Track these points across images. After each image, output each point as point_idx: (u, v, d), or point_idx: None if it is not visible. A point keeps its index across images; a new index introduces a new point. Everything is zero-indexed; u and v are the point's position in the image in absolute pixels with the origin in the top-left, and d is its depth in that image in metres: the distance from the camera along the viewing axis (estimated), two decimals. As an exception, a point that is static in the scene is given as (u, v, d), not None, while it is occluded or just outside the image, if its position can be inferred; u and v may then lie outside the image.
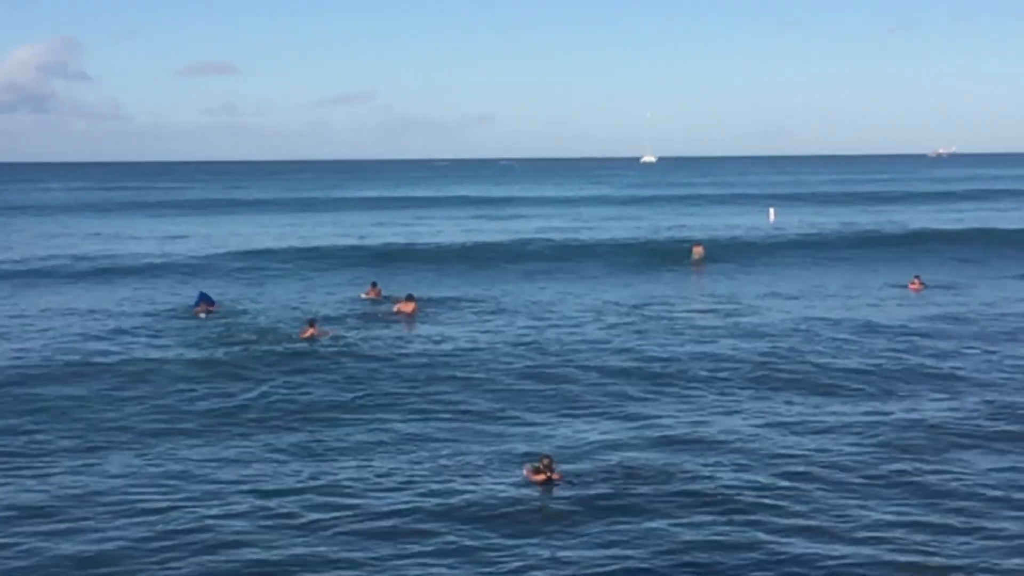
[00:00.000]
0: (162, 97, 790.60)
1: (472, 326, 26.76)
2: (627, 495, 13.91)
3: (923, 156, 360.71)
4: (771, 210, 77.98)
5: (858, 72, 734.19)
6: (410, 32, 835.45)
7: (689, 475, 14.63)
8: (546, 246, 47.02)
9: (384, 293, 32.45)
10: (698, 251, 42.91)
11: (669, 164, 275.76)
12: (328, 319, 27.50)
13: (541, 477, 14.57)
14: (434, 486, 14.22)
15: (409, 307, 28.66)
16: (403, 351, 23.19)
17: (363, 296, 32.78)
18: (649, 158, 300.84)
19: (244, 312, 29.40)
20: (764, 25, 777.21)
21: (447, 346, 23.77)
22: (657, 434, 16.66)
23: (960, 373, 20.80)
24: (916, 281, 33.17)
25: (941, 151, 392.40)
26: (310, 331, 24.93)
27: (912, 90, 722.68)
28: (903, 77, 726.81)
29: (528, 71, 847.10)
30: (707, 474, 14.61)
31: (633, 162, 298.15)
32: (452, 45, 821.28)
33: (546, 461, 14.76)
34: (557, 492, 14.15)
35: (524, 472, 14.94)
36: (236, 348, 23.51)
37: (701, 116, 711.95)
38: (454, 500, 13.68)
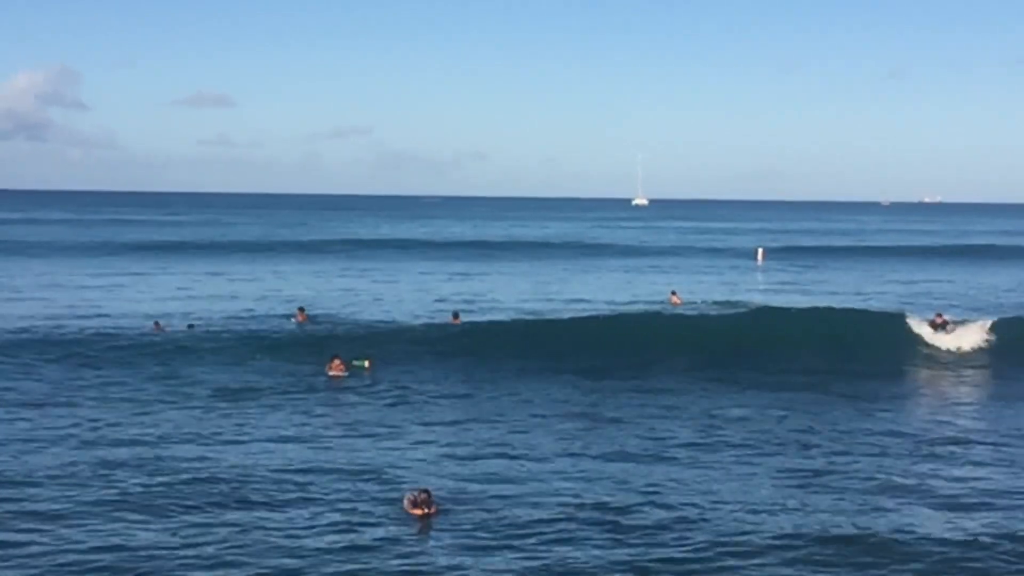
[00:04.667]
0: (157, 128, 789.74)
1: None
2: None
3: (876, 204, 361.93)
4: (759, 251, 78.26)
5: (853, 117, 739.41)
6: (407, 69, 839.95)
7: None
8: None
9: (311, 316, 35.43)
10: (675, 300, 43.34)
11: (661, 207, 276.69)
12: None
13: (418, 512, 14.91)
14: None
15: (456, 320, 33.27)
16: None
17: (294, 320, 35.12)
18: (641, 200, 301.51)
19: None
20: (761, 70, 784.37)
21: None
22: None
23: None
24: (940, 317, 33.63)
25: (927, 199, 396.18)
26: (336, 363, 26.51)
27: (906, 137, 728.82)
28: (897, 123, 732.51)
29: (522, 110, 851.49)
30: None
31: (625, 204, 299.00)
32: (448, 83, 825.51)
33: (423, 496, 15.02)
34: (434, 525, 14.68)
35: (404, 502, 15.30)
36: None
37: (694, 159, 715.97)
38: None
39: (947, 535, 14.63)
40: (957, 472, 18.20)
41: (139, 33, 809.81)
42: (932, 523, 15.25)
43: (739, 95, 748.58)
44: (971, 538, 14.47)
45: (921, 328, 32.90)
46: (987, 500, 16.45)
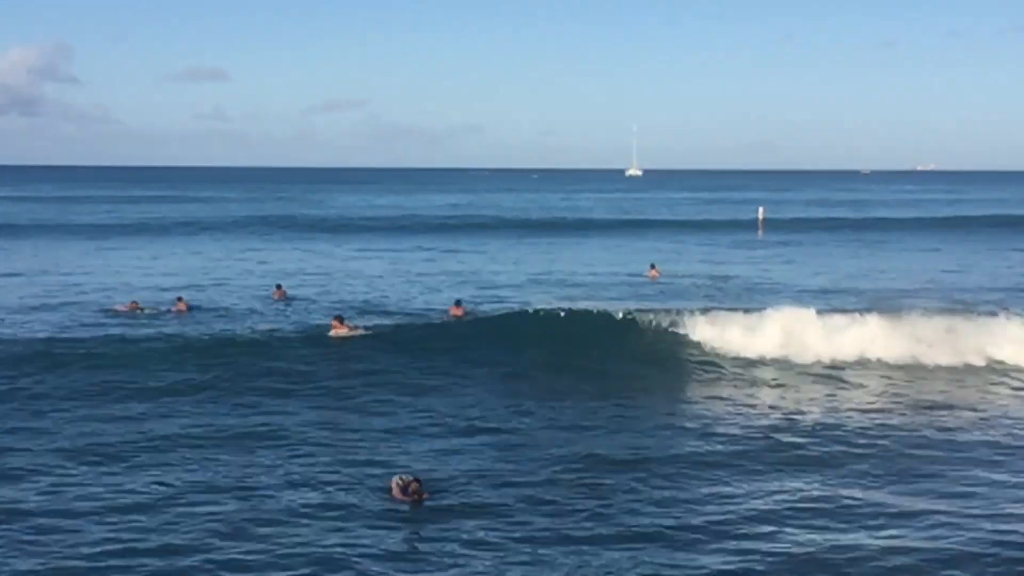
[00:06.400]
0: (152, 102, 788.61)
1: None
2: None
3: (857, 172, 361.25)
4: (760, 209, 79.88)
5: (847, 87, 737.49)
6: (401, 42, 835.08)
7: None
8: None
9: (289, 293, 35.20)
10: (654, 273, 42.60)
11: (655, 177, 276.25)
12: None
13: (408, 499, 14.63)
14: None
15: (459, 311, 29.86)
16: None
17: (274, 297, 34.75)
18: (634, 171, 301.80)
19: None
20: (754, 41, 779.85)
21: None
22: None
23: None
24: None
25: (920, 167, 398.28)
26: (338, 327, 26.44)
27: (899, 106, 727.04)
28: (891, 92, 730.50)
29: (517, 82, 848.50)
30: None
31: (619, 174, 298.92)
32: (443, 56, 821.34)
33: (414, 485, 14.70)
34: (424, 512, 14.41)
35: (393, 489, 14.91)
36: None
37: (688, 129, 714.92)
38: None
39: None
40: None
41: (132, 7, 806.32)
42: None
43: (732, 67, 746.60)
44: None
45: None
46: None
